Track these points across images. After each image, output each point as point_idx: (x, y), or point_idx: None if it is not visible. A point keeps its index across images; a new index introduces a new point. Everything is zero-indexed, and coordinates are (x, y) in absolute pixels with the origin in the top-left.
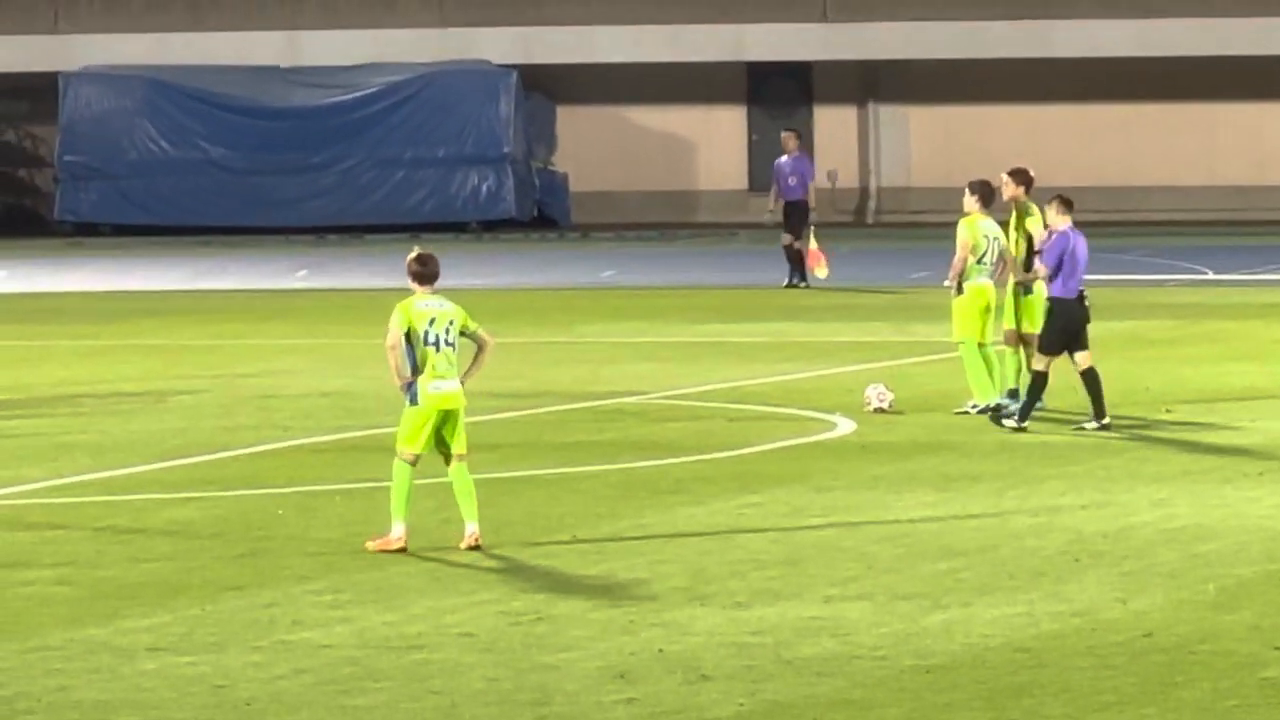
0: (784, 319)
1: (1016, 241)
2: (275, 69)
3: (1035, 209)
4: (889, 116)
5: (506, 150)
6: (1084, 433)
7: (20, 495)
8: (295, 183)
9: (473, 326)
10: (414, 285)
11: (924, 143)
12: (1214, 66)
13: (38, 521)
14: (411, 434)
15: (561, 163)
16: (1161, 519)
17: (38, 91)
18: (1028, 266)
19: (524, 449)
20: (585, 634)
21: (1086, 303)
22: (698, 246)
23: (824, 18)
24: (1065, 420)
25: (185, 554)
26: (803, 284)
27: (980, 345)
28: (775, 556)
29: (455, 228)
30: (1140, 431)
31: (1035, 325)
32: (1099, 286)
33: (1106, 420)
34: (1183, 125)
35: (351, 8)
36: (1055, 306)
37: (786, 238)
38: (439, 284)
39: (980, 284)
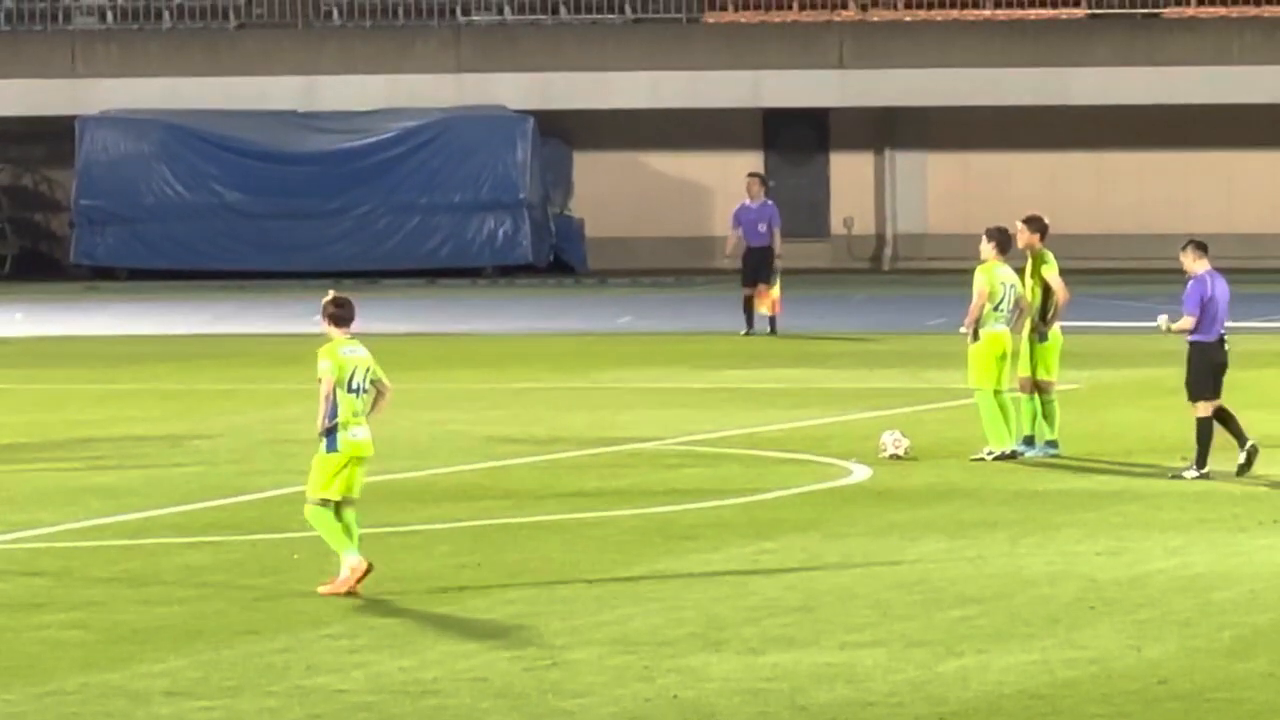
0: (800, 365)
1: (1032, 289)
2: (292, 114)
3: (1050, 256)
4: (906, 163)
5: (523, 196)
6: (1181, 480)
7: (36, 539)
8: (311, 228)
9: (378, 374)
10: (332, 328)
11: (941, 189)
12: (1231, 114)
13: (53, 565)
14: (326, 480)
15: (578, 208)
16: (1176, 567)
17: (54, 135)
18: (1044, 314)
19: (539, 494)
20: (600, 680)
21: (1226, 347)
22: (714, 293)
23: (841, 64)
24: (1078, 468)
25: (200, 598)
26: (748, 332)
27: (996, 392)
28: (790, 603)
29: (471, 273)
30: (1156, 479)
31: (1050, 372)
32: (1114, 334)
33: (1206, 470)
34: (1199, 173)
35: (368, 53)
36: (1195, 351)
37: (750, 288)
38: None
39: (996, 331)
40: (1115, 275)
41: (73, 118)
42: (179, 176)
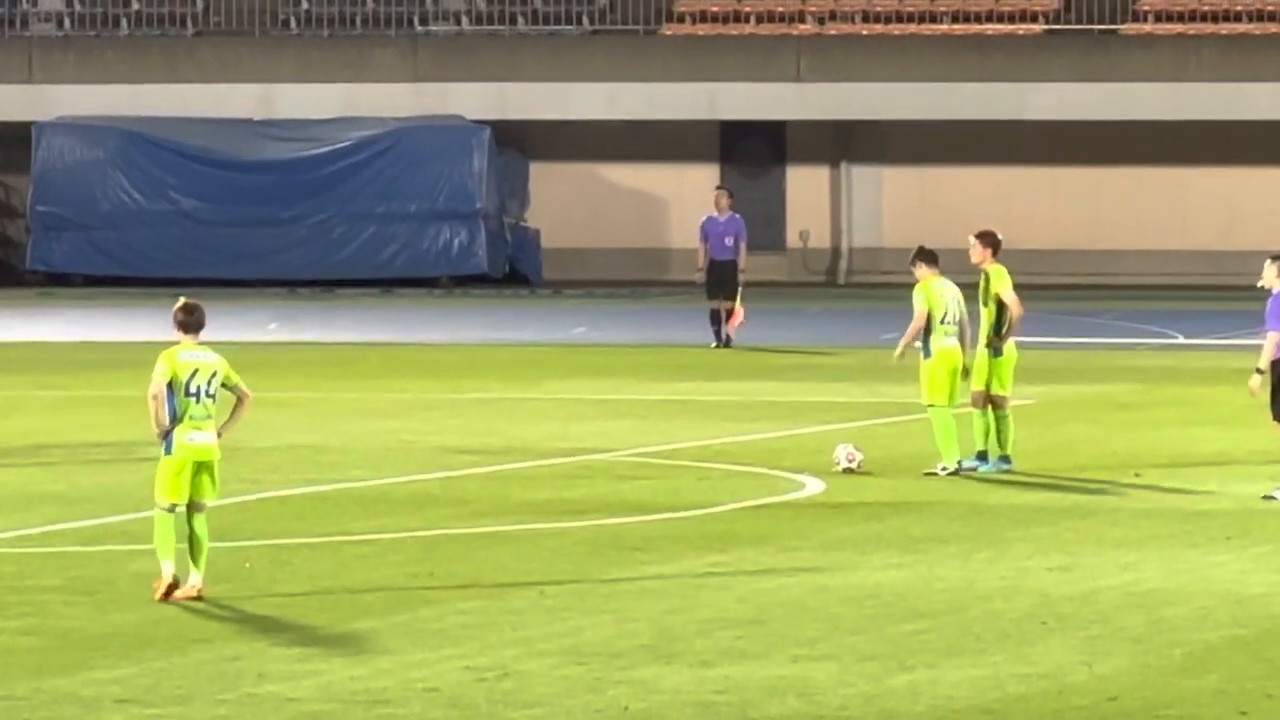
0: (754, 378)
1: (986, 304)
2: (248, 122)
3: (1004, 271)
4: (862, 177)
5: (479, 206)
6: (1275, 500)
7: None
8: (267, 236)
9: (234, 380)
10: (179, 334)
11: (896, 203)
12: (1185, 131)
13: (5, 571)
14: (167, 484)
15: (534, 219)
16: (1128, 583)
17: (11, 141)
18: (998, 329)
19: (492, 505)
20: (551, 691)
21: None
22: (669, 304)
23: (798, 77)
24: (1031, 483)
25: (152, 605)
26: (718, 345)
27: (941, 405)
28: (742, 616)
29: (427, 283)
30: (1108, 495)
31: (1005, 387)
32: (1068, 350)
33: None
34: (1154, 189)
35: (326, 62)
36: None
37: (716, 302)
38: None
39: (946, 346)
40: (1070, 291)
41: (29, 124)
42: (135, 183)
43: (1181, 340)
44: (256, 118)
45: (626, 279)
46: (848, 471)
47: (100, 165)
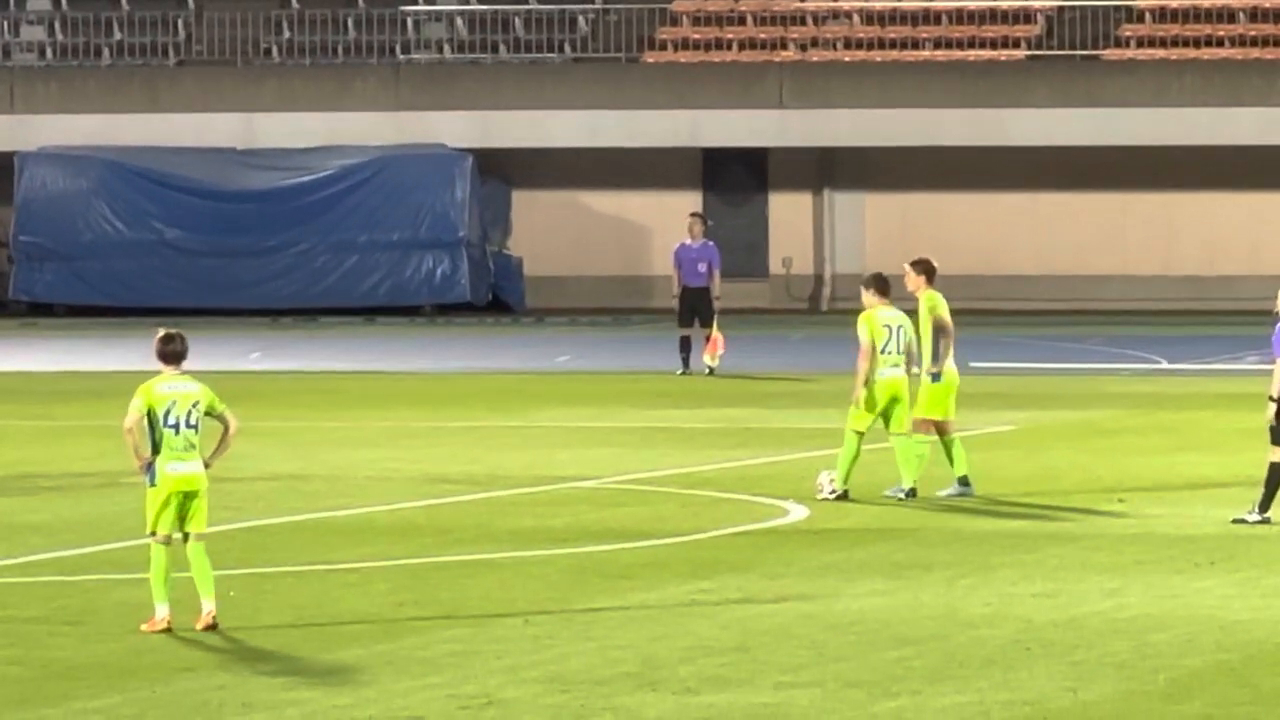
0: (738, 405)
1: (922, 330)
2: (231, 151)
3: (939, 297)
4: (844, 203)
5: (462, 234)
6: (1245, 524)
7: None
8: (250, 265)
9: (219, 407)
10: (161, 365)
11: (879, 230)
12: (1168, 156)
13: None
14: (155, 515)
15: (516, 247)
16: (1112, 609)
17: None
18: (935, 354)
19: (476, 533)
20: (535, 719)
21: None
22: (651, 332)
23: (780, 104)
24: (1015, 510)
25: (137, 635)
26: (684, 372)
27: (861, 434)
28: (726, 643)
29: (410, 311)
30: (1092, 521)
31: (948, 412)
32: (1051, 375)
33: (1268, 516)
34: (1137, 214)
35: (308, 90)
36: None
37: (687, 329)
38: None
39: (886, 376)
40: (1052, 316)
41: (12, 154)
42: (118, 213)
43: (1165, 365)
44: (239, 147)
45: (609, 306)
46: (834, 497)
47: (83, 195)
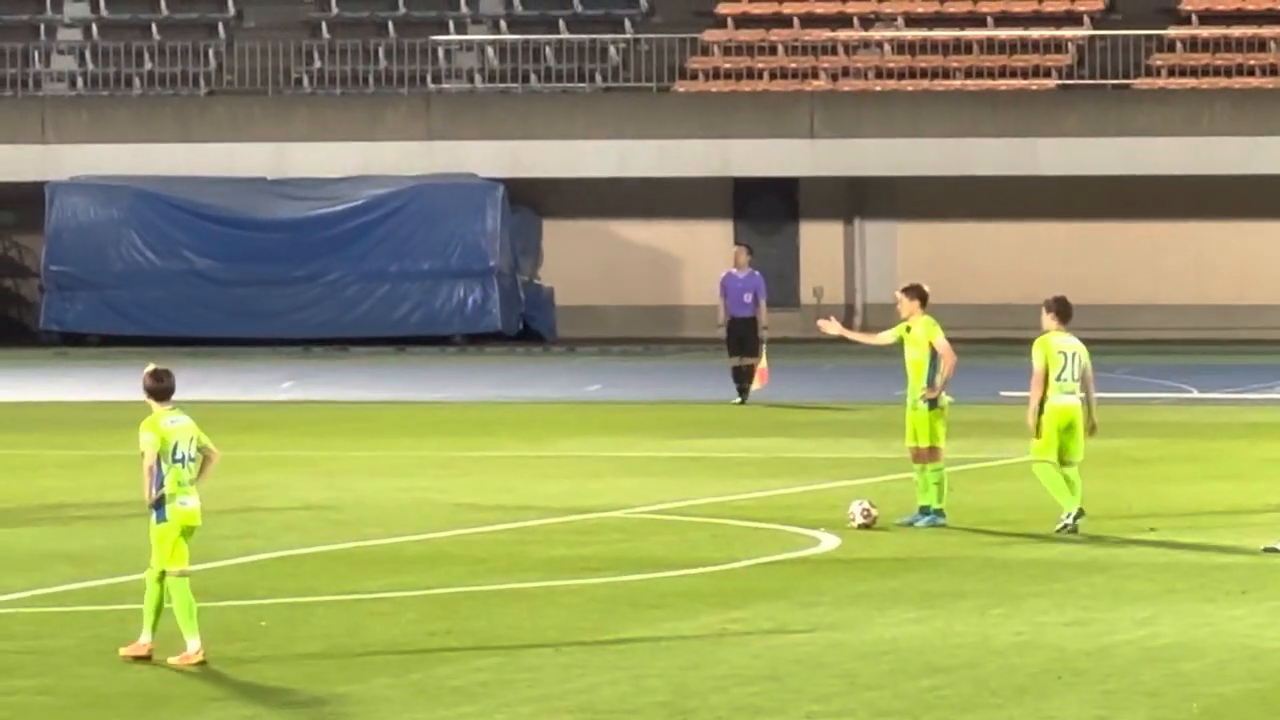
0: (768, 434)
1: (916, 359)
2: (262, 180)
3: (934, 323)
4: (875, 233)
5: (493, 263)
6: (1277, 553)
7: (3, 605)
8: (281, 294)
9: (204, 440)
10: (152, 402)
11: (910, 259)
12: (1200, 185)
13: (21, 631)
14: (171, 550)
15: (547, 276)
16: (1144, 637)
17: (24, 201)
18: (930, 381)
19: (507, 562)
20: None
21: None
22: (682, 361)
23: (811, 134)
24: (1046, 538)
25: (168, 665)
26: (741, 402)
27: (1050, 461)
28: (758, 672)
29: (440, 341)
30: (1124, 550)
31: (940, 439)
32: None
33: None
34: (1168, 244)
35: (339, 120)
36: None
37: (737, 359)
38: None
39: (1061, 403)
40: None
41: (42, 183)
42: (149, 243)
43: (1196, 395)
44: (270, 176)
45: (640, 336)
46: (863, 527)
47: (114, 225)
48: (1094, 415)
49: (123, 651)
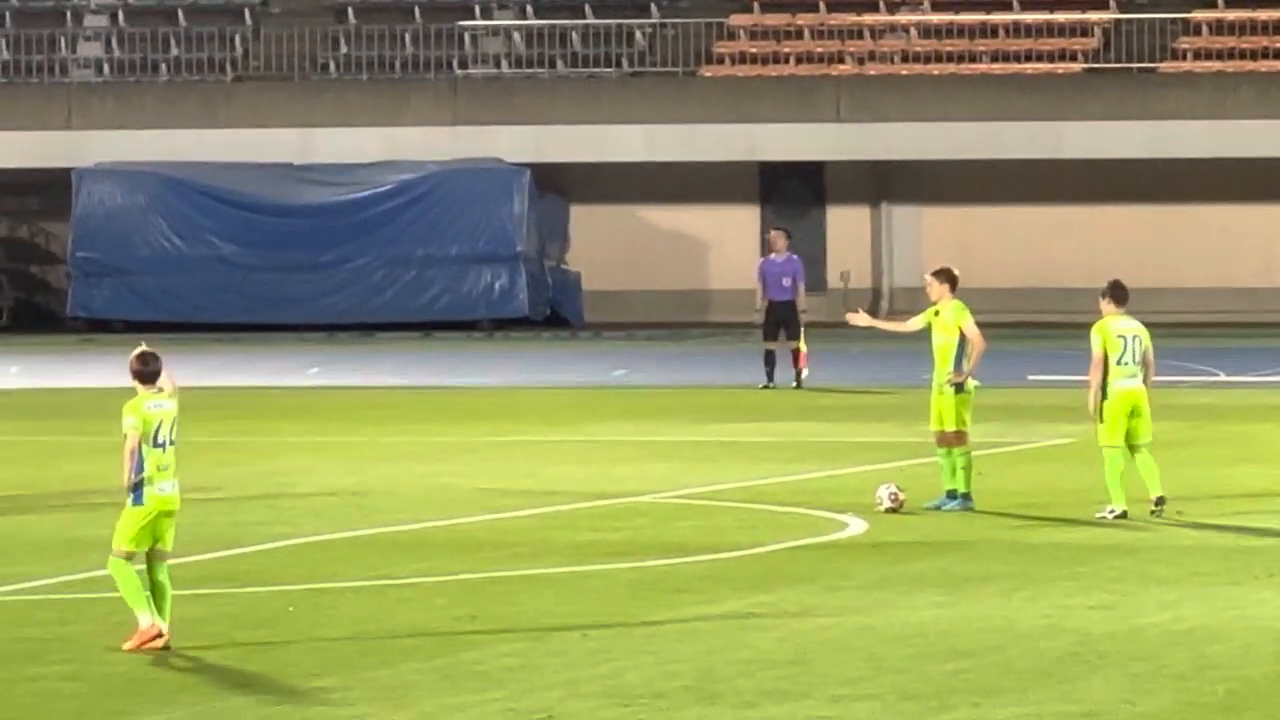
0: (795, 419)
1: (944, 343)
2: (288, 166)
3: (963, 307)
4: (902, 216)
5: (519, 249)
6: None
7: (30, 591)
8: (307, 280)
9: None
10: (138, 385)
11: (936, 243)
12: (1225, 168)
13: (47, 617)
14: (133, 534)
15: (574, 262)
16: (1170, 620)
17: (50, 187)
18: (958, 365)
19: (534, 547)
20: None
21: None
22: (709, 346)
23: (837, 118)
24: (1072, 522)
25: (195, 651)
26: (795, 386)
27: (1116, 447)
28: (784, 656)
29: (467, 326)
30: (1150, 533)
31: (966, 424)
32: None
33: None
34: (1194, 227)
35: (364, 105)
36: None
37: (772, 343)
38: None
39: (1123, 387)
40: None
41: (69, 170)
42: (175, 229)
43: (1223, 378)
44: (296, 162)
45: (667, 321)
46: (890, 511)
47: (140, 211)
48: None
49: (128, 645)
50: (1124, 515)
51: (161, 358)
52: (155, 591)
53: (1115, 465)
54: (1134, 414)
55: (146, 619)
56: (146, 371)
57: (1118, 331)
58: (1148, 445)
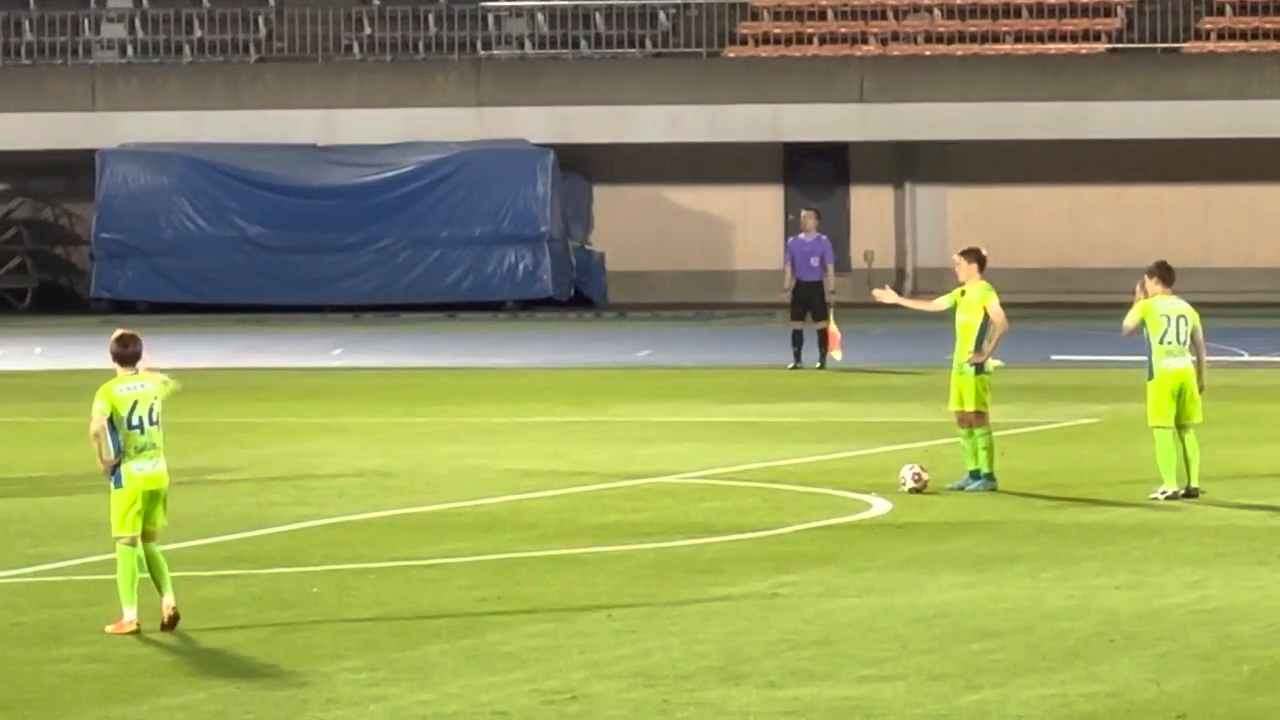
0: (819, 399)
1: (967, 323)
2: (312, 147)
3: (990, 288)
4: (926, 197)
5: (544, 229)
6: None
7: (55, 572)
8: (331, 261)
9: (171, 385)
10: (117, 367)
11: (961, 223)
12: (1249, 148)
13: (71, 599)
14: (121, 517)
15: (598, 242)
16: (1195, 600)
17: (74, 169)
18: (980, 345)
19: (559, 528)
20: (619, 713)
21: None
22: (734, 327)
23: (861, 98)
24: (1098, 502)
25: (220, 632)
26: (819, 366)
27: (1165, 428)
28: (809, 636)
29: (492, 307)
30: (1175, 513)
31: (987, 404)
32: (1134, 368)
33: None
34: (1218, 207)
35: (388, 87)
36: None
37: (799, 323)
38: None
39: (1169, 367)
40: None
41: (93, 151)
42: (199, 210)
43: (1247, 357)
44: (320, 143)
45: (691, 301)
46: (914, 491)
47: (164, 192)
48: (1203, 377)
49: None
50: (1175, 495)
51: (141, 340)
52: (151, 566)
53: (1165, 445)
54: (1181, 394)
55: (131, 613)
56: (126, 354)
57: (1162, 311)
58: (1195, 427)
